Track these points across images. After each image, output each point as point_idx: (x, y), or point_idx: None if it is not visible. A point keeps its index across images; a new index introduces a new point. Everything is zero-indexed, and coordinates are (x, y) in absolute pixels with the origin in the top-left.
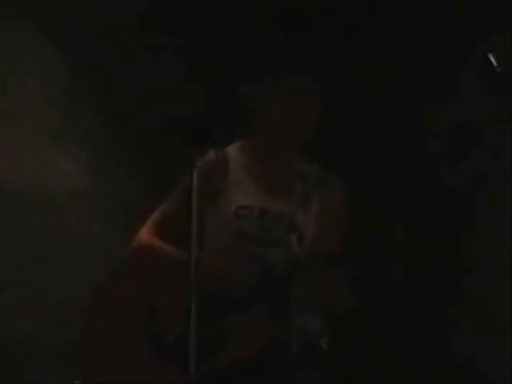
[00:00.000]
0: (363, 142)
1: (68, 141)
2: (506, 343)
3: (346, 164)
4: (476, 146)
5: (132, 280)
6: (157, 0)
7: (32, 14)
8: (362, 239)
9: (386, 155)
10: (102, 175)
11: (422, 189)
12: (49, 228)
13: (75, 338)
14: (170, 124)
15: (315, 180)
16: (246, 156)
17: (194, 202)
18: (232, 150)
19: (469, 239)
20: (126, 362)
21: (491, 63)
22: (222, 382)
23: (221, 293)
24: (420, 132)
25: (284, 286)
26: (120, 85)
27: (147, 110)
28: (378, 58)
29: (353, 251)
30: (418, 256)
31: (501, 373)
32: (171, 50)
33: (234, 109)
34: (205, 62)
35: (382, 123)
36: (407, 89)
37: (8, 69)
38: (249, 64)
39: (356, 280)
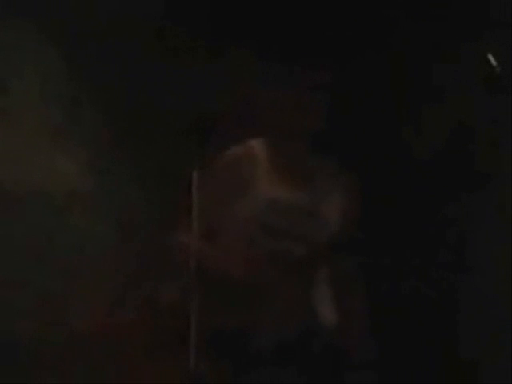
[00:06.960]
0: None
1: (68, 141)
2: (507, 344)
3: (356, 161)
4: (474, 146)
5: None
6: (157, 0)
7: (32, 14)
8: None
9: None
10: (102, 175)
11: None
12: (49, 228)
13: (75, 338)
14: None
15: (329, 174)
16: (266, 151)
17: (194, 201)
18: (254, 144)
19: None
20: (127, 361)
21: (490, 63)
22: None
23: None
24: (417, 133)
25: (305, 279)
26: (121, 84)
27: (148, 110)
28: (373, 56)
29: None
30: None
31: (501, 373)
32: (172, 49)
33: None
34: (207, 61)
35: (379, 124)
36: (404, 89)
37: (8, 68)
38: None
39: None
